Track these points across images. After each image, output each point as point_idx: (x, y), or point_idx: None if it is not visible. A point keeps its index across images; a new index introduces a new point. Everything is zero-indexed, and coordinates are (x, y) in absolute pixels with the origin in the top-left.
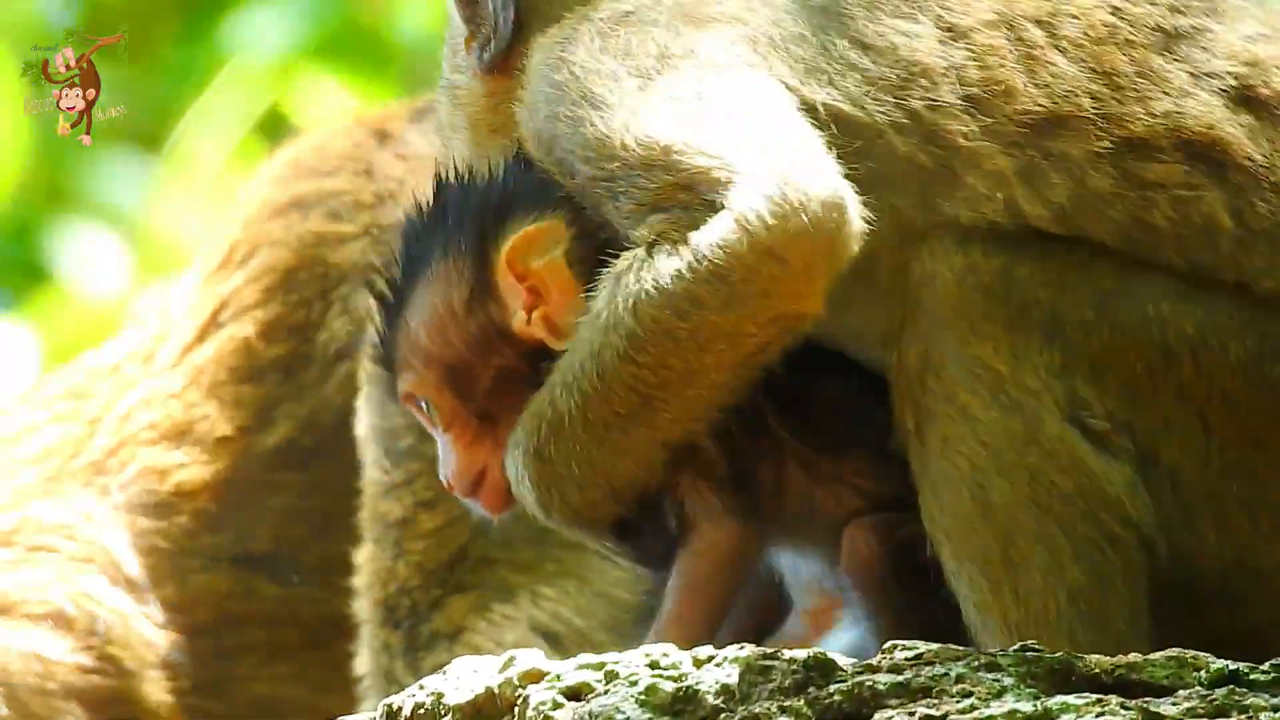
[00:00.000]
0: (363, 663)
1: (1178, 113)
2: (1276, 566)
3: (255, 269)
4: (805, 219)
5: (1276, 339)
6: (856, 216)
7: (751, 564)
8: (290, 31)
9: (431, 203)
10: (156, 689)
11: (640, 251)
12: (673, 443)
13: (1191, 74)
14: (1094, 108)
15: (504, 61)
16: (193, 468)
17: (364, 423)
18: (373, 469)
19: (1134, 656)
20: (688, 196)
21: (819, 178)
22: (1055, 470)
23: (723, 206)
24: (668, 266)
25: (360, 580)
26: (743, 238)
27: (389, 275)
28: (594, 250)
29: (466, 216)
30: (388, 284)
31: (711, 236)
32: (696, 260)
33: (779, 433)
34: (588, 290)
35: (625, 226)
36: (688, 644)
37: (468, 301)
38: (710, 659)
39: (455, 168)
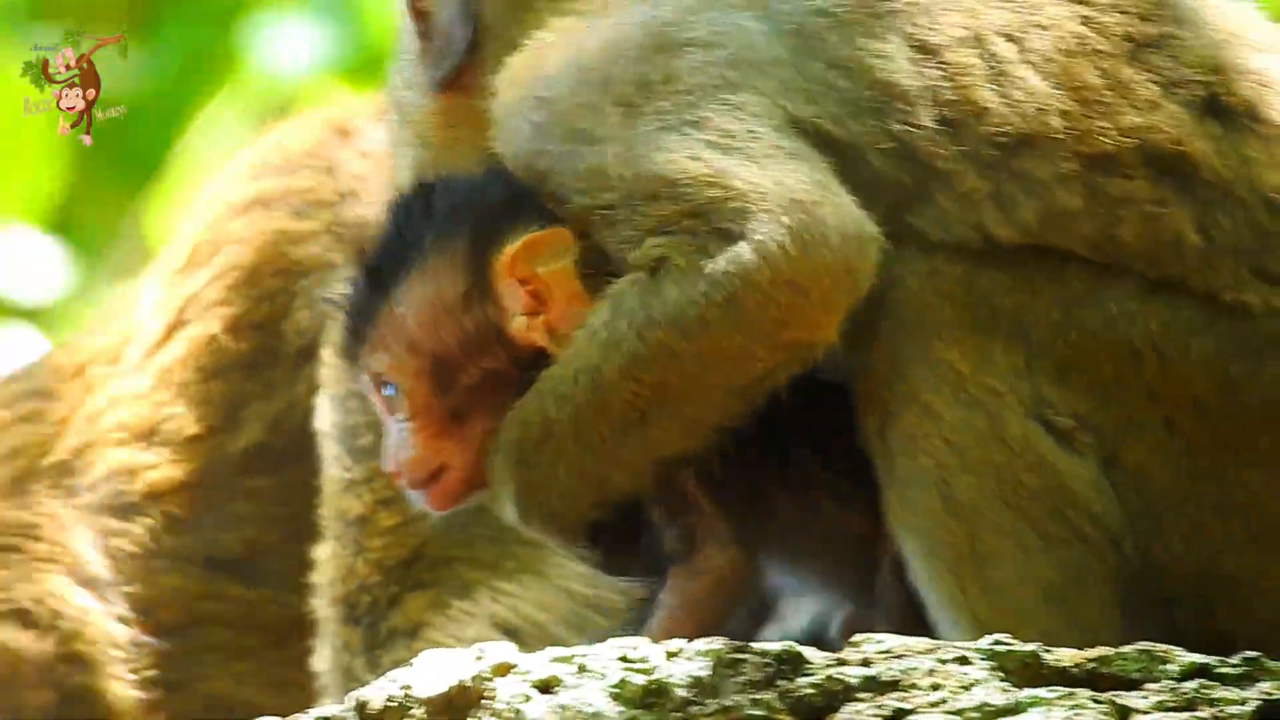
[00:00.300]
0: (321, 659)
1: (1146, 127)
2: (1247, 573)
3: (219, 267)
4: (827, 252)
5: (1243, 339)
6: (876, 247)
7: (748, 595)
8: (313, 48)
9: (421, 192)
10: (121, 689)
11: (642, 274)
12: (665, 458)
13: (1160, 84)
14: (1063, 125)
15: (456, 79)
16: (162, 468)
17: (324, 420)
18: (333, 466)
19: (1104, 650)
20: (695, 223)
21: (839, 209)
22: (1021, 467)
23: (739, 235)
24: (676, 290)
25: (320, 577)
26: (763, 268)
27: (372, 250)
28: (603, 265)
29: (464, 213)
30: (370, 258)
31: (728, 264)
32: (710, 286)
33: (809, 466)
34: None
35: (622, 250)
36: None
37: (464, 298)
38: (680, 652)
39: (435, 170)
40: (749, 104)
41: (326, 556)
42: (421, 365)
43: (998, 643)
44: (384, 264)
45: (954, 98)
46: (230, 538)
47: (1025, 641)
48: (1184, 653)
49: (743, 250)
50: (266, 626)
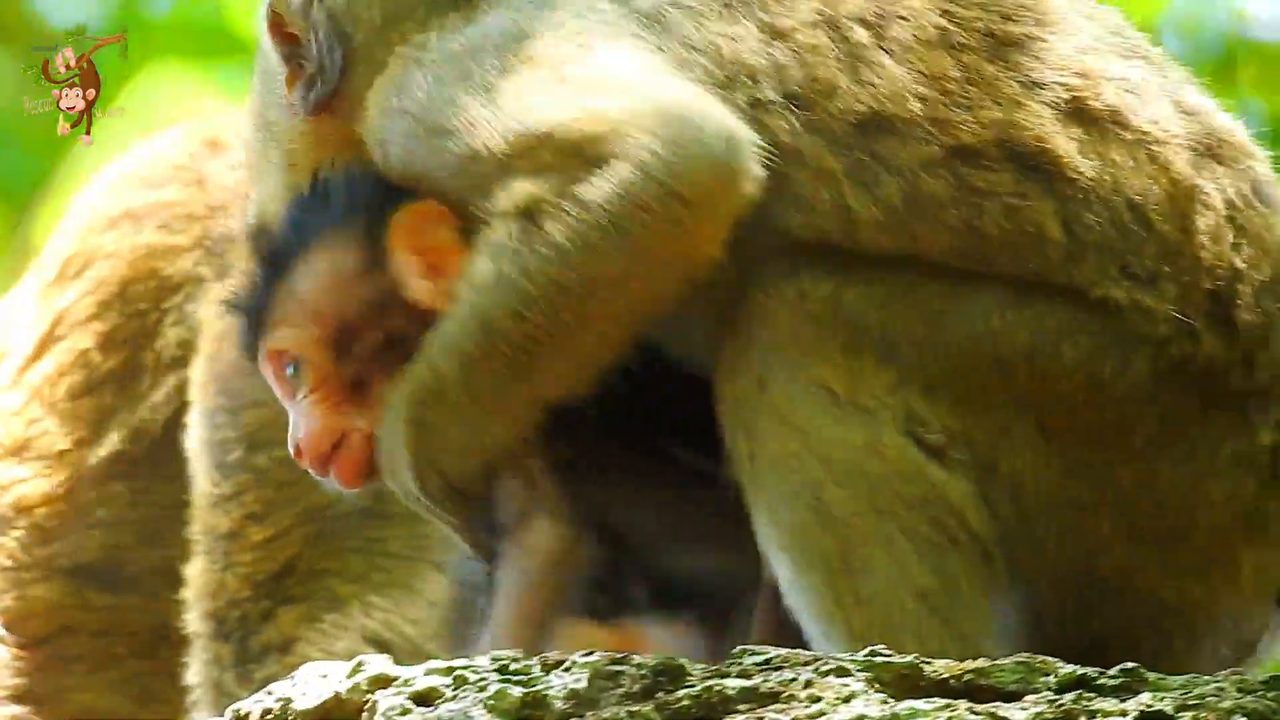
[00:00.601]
0: (193, 675)
1: (1008, 123)
2: (1117, 570)
3: (90, 282)
4: (706, 159)
5: (1109, 341)
6: (754, 153)
7: (580, 573)
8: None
9: (315, 187)
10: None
11: (513, 219)
12: (553, 401)
13: (1023, 83)
14: (922, 111)
15: (327, 102)
16: (32, 482)
17: (194, 436)
18: (203, 481)
19: (982, 661)
20: (566, 161)
21: (711, 117)
22: (897, 479)
23: (616, 156)
24: (557, 225)
25: (190, 593)
26: (646, 183)
27: (269, 242)
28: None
29: (354, 193)
30: (267, 251)
31: (609, 187)
32: (593, 213)
33: (675, 452)
34: None
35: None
36: (523, 644)
37: (361, 267)
38: (559, 664)
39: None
40: (614, 56)
41: (196, 572)
42: (323, 334)
43: (876, 654)
44: (281, 252)
45: (803, 76)
46: (93, 545)
47: (904, 647)
48: (1063, 664)
49: (622, 169)
50: (132, 634)
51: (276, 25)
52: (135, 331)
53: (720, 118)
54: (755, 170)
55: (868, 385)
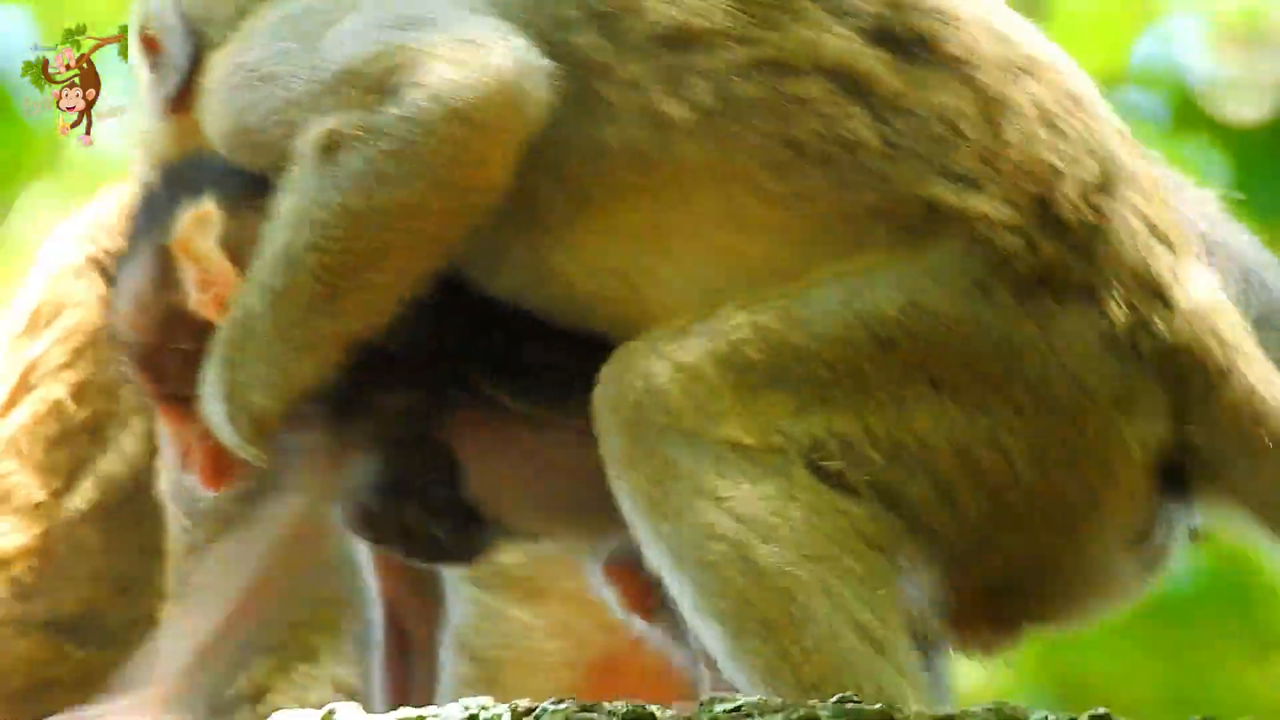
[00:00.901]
0: None
1: (815, 42)
2: (1024, 491)
3: (61, 330)
4: (490, 80)
5: (969, 290)
6: (544, 78)
7: (319, 555)
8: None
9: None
10: None
11: (311, 154)
12: (352, 338)
13: (829, 11)
14: (729, 26)
15: (185, 98)
16: (10, 536)
17: (165, 481)
18: (174, 527)
19: (952, 708)
20: (366, 96)
21: (502, 43)
22: (816, 518)
23: (407, 86)
24: (351, 155)
25: None
26: (429, 105)
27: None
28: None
29: (155, 205)
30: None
31: (398, 111)
32: (384, 140)
33: (495, 395)
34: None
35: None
36: (222, 624)
37: (153, 286)
38: (530, 711)
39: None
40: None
41: (170, 619)
42: (135, 359)
43: (846, 700)
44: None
45: None
46: (70, 598)
47: (854, 688)
48: (1035, 710)
49: (412, 94)
50: (109, 688)
51: (142, 34)
52: (108, 380)
53: (513, 44)
54: (544, 95)
55: (772, 422)
